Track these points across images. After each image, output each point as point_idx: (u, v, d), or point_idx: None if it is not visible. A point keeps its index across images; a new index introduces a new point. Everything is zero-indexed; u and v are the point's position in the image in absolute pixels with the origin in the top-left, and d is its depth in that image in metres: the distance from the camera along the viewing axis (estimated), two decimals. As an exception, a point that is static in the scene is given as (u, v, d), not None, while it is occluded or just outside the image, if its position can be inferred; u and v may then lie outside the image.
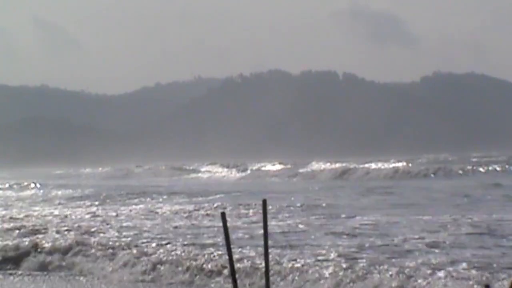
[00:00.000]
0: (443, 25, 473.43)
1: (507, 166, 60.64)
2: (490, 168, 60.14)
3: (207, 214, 26.32)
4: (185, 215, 26.65)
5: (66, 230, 21.81)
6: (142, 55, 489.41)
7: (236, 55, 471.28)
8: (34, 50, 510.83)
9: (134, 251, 17.15)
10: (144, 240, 18.75)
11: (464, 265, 13.58)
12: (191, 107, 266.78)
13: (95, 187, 50.76)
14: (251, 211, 27.06)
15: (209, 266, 15.26)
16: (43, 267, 17.65)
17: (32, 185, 57.29)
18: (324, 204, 29.36)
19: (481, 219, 21.39)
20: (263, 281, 11.08)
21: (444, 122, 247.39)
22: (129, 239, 19.07)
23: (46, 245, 18.62)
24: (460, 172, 58.48)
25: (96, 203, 35.23)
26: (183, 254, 16.27)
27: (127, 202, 35.42)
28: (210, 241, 18.13)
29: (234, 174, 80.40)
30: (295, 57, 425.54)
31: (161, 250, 16.91)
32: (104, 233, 20.87)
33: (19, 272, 17.47)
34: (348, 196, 35.74)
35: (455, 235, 17.94)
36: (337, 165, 73.13)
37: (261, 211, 8.91)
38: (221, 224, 7.95)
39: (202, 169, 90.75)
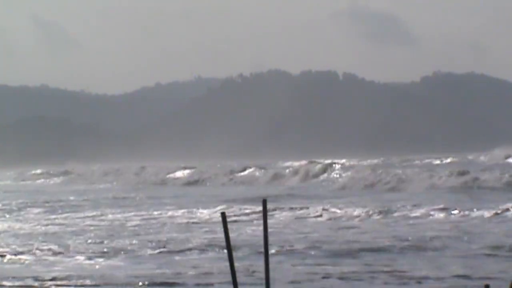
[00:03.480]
0: (443, 25, 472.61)
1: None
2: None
3: None
4: None
5: None
6: (142, 55, 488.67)
7: (236, 55, 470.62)
8: (34, 50, 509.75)
9: None
10: None
11: None
12: (191, 107, 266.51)
13: None
14: None
15: None
16: None
17: None
18: None
19: None
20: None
21: (444, 122, 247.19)
22: None
23: None
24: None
25: None
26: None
27: None
28: None
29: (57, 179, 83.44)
30: (295, 57, 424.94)
31: None
32: None
33: None
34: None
35: None
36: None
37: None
38: None
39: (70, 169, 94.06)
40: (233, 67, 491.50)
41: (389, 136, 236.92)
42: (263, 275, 8.42)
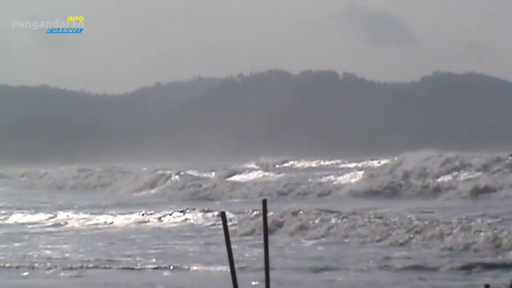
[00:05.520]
0: (443, 25, 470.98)
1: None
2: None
3: None
4: None
5: None
6: (142, 55, 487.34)
7: (236, 55, 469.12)
8: (34, 50, 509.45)
9: None
10: None
11: None
12: (191, 107, 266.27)
13: None
14: None
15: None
16: None
17: None
18: None
19: None
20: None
21: (444, 122, 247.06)
22: None
23: None
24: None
25: None
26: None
27: None
28: None
29: None
30: (295, 57, 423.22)
31: None
32: None
33: None
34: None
35: None
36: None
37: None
38: None
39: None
40: (233, 67, 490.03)
41: (389, 136, 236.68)
42: None
